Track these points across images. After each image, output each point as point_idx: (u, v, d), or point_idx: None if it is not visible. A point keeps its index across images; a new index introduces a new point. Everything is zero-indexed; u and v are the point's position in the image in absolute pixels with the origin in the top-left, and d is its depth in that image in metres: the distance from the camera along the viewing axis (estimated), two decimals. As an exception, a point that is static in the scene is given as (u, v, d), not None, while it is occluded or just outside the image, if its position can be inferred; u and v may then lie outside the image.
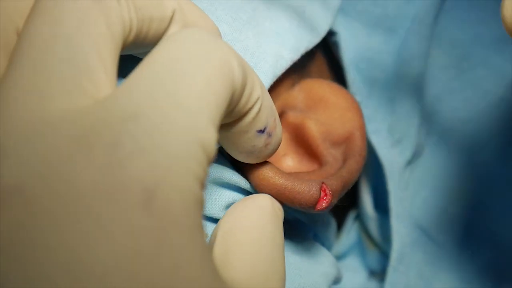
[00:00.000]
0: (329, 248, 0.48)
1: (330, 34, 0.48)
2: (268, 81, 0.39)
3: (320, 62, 0.49)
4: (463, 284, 0.53)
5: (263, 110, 0.30)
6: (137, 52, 0.32)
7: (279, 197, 0.35)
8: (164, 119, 0.23)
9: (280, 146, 0.35)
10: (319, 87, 0.43)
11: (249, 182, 0.37)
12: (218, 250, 0.29)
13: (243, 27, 0.38)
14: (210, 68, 0.26)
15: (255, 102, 0.30)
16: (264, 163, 0.36)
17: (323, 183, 0.37)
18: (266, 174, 0.36)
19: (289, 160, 0.42)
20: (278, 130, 0.33)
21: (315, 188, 0.36)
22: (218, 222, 0.31)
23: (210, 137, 0.24)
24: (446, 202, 0.53)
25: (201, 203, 0.24)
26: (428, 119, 0.53)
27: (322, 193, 0.36)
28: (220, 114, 0.26)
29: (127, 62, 0.31)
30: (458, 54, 0.52)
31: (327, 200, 0.37)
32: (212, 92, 0.25)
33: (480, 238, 0.53)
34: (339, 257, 0.55)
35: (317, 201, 0.36)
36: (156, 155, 0.22)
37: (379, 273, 0.55)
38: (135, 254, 0.21)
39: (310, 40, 0.43)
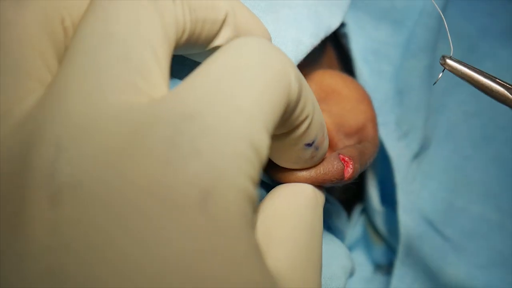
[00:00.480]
0: (341, 240, 0.48)
1: (340, 25, 0.48)
2: None
3: (330, 54, 0.49)
4: (469, 278, 0.53)
5: (313, 124, 0.30)
6: (187, 53, 0.31)
7: (311, 184, 0.35)
8: (221, 121, 0.23)
9: None
10: (330, 79, 0.43)
11: (276, 181, 0.36)
12: (257, 235, 0.28)
13: (262, 14, 0.38)
14: (269, 78, 0.25)
15: (307, 117, 0.29)
16: None
17: (338, 153, 0.36)
18: (288, 173, 0.35)
19: None
20: (326, 144, 0.33)
21: (336, 161, 0.36)
22: (258, 206, 0.31)
23: (263, 142, 0.24)
24: (453, 195, 0.53)
25: (254, 203, 0.24)
26: (436, 111, 0.53)
27: (343, 162, 0.36)
28: (274, 123, 0.25)
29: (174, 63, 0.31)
30: (465, 47, 0.53)
31: (351, 167, 0.36)
32: (268, 101, 0.25)
33: (487, 231, 0.53)
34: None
35: (343, 171, 0.36)
36: (212, 156, 0.22)
37: (385, 267, 0.55)
38: (191, 254, 0.21)
39: (328, 26, 0.43)
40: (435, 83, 0.37)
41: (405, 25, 0.50)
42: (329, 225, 0.45)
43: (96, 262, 0.21)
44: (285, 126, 0.29)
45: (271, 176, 0.36)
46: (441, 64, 0.35)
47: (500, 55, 0.53)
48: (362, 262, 0.55)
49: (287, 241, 0.28)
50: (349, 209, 0.56)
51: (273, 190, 0.32)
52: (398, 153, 0.50)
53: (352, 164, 0.37)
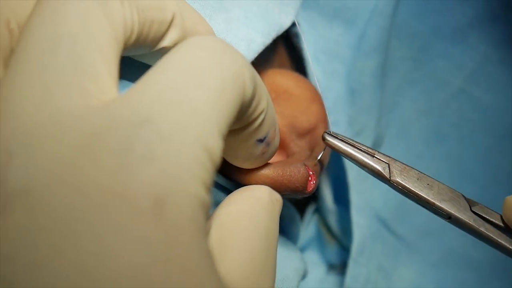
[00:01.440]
0: (294, 242, 0.48)
1: (291, 24, 0.47)
2: None
3: (281, 53, 0.49)
4: (422, 277, 0.53)
5: (266, 120, 0.30)
6: (134, 54, 0.31)
7: (274, 186, 0.34)
8: (176, 125, 0.23)
9: None
10: (282, 79, 0.43)
11: (238, 181, 0.36)
12: (211, 242, 0.28)
13: (213, 13, 0.37)
14: (224, 79, 0.25)
15: (260, 113, 0.29)
16: None
17: (304, 164, 0.37)
18: (255, 170, 0.35)
19: None
20: (277, 140, 0.33)
21: (302, 167, 0.36)
22: (213, 211, 0.30)
23: (217, 146, 0.24)
24: (405, 194, 0.53)
25: (207, 208, 0.23)
26: (388, 110, 0.53)
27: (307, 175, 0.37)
28: (228, 124, 0.25)
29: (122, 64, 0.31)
30: (417, 46, 0.53)
31: (313, 181, 0.37)
32: (223, 103, 0.25)
33: (440, 229, 0.53)
34: (298, 251, 0.54)
35: (307, 180, 0.36)
36: (166, 162, 0.22)
37: (338, 267, 0.55)
38: (145, 262, 0.20)
39: (280, 25, 0.43)
40: (318, 158, 0.39)
41: (356, 25, 0.50)
42: (282, 227, 0.45)
43: (44, 272, 0.20)
44: (239, 123, 0.29)
45: (233, 176, 0.35)
46: (322, 140, 0.37)
47: (452, 54, 0.53)
48: (315, 261, 0.55)
49: (240, 249, 0.28)
50: (301, 209, 0.55)
51: (229, 195, 0.32)
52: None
53: (315, 179, 0.37)
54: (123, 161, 0.21)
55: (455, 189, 0.36)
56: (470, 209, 0.35)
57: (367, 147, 0.37)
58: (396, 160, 0.36)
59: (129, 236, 0.20)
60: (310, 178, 0.37)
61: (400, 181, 0.36)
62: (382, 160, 0.36)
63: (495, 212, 0.35)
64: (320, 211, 0.55)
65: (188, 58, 0.25)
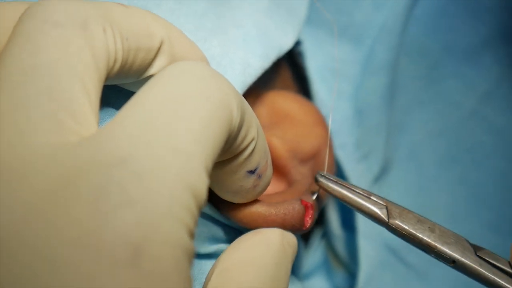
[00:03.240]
0: (297, 270, 0.46)
1: (295, 43, 0.45)
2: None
3: (284, 72, 0.47)
4: (433, 306, 0.51)
5: (256, 151, 0.28)
6: (120, 82, 0.29)
7: (268, 226, 0.33)
8: (155, 164, 0.21)
9: None
10: (284, 102, 0.41)
11: (230, 219, 0.34)
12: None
13: (208, 35, 0.36)
14: (209, 110, 0.23)
15: (249, 143, 0.28)
16: None
17: (301, 199, 0.35)
18: (246, 208, 0.33)
19: None
20: (269, 172, 0.31)
21: (297, 204, 0.34)
22: (219, 257, 0.29)
23: (202, 184, 0.22)
24: (416, 220, 0.51)
25: (190, 255, 0.22)
26: (397, 132, 0.51)
27: (304, 208, 0.35)
28: (214, 158, 0.24)
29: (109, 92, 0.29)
30: (427, 64, 0.50)
31: (310, 216, 0.35)
32: (209, 136, 0.23)
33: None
34: (304, 277, 0.52)
35: (303, 216, 0.34)
36: (144, 206, 0.20)
37: (346, 295, 0.53)
38: None
39: (281, 46, 0.41)
40: (314, 198, 0.37)
41: (364, 42, 0.48)
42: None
43: None
44: (226, 154, 0.27)
45: (224, 212, 0.34)
46: (315, 181, 0.35)
47: (464, 73, 0.50)
48: (322, 288, 0.53)
49: None
50: (308, 233, 0.53)
51: (238, 239, 0.30)
52: (358, 176, 0.48)
53: (312, 213, 0.35)
54: (96, 208, 0.20)
55: (457, 233, 0.34)
56: (475, 253, 0.33)
57: (362, 189, 0.35)
58: (393, 203, 0.35)
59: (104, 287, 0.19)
60: (308, 213, 0.34)
61: (400, 223, 0.34)
62: (379, 202, 0.34)
63: (501, 257, 0.33)
64: (327, 236, 0.53)
65: (169, 86, 0.23)
